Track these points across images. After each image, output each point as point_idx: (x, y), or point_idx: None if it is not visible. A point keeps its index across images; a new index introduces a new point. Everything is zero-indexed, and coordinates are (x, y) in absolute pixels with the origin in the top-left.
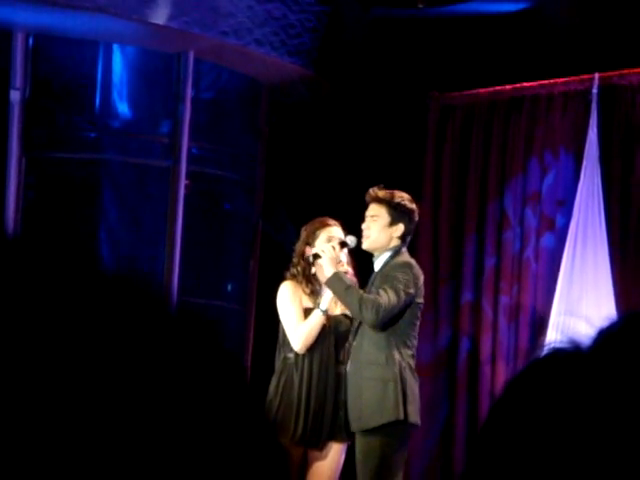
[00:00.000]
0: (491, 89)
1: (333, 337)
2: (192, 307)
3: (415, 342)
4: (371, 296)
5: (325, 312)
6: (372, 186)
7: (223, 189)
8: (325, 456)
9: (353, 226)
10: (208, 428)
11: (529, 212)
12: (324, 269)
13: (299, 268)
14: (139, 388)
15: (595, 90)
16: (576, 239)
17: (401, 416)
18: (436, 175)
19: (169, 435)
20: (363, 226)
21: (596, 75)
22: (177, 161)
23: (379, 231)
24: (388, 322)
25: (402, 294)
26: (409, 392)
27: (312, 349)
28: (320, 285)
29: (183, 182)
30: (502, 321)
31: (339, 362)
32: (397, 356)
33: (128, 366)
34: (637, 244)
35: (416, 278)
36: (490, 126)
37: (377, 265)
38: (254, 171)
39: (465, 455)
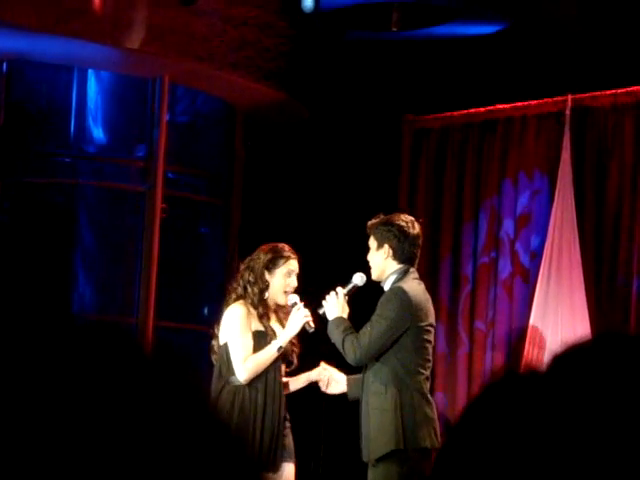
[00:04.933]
0: (465, 112)
1: (281, 365)
2: (168, 348)
3: (428, 364)
4: (351, 336)
5: (280, 349)
6: (347, 208)
7: (199, 213)
8: (281, 476)
9: (330, 248)
10: (184, 470)
11: (504, 234)
12: (327, 313)
13: (255, 289)
14: (115, 436)
15: (568, 112)
16: (551, 260)
17: (400, 445)
18: (411, 198)
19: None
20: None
21: (569, 97)
22: (153, 185)
23: (372, 259)
24: (374, 355)
25: (384, 327)
26: (419, 417)
27: (264, 379)
28: (269, 310)
29: (159, 206)
30: (478, 343)
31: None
32: (398, 384)
33: (103, 414)
34: (610, 264)
35: (407, 303)
36: (464, 148)
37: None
38: (230, 195)
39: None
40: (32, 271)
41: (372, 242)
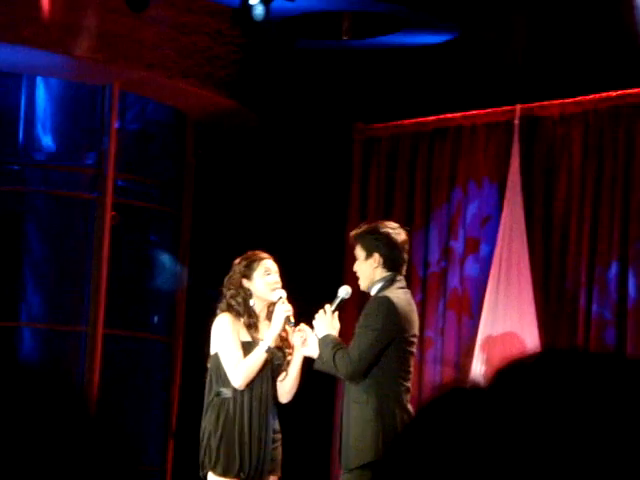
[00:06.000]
0: (415, 120)
1: (270, 371)
2: (111, 409)
3: (409, 375)
4: (341, 351)
5: (269, 349)
6: (298, 217)
7: (149, 221)
8: None
9: (282, 257)
10: None
11: (454, 243)
12: (316, 330)
13: (239, 299)
14: None
15: (517, 121)
16: (500, 268)
17: (379, 456)
18: (362, 206)
19: None
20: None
21: (518, 106)
22: (103, 193)
23: (361, 268)
24: (368, 367)
25: (373, 338)
26: (399, 428)
27: (251, 384)
28: (258, 318)
29: (109, 214)
30: (428, 355)
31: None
32: (380, 394)
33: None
34: (559, 272)
35: (393, 313)
36: (415, 157)
37: None
38: (180, 202)
39: None
40: None
41: (359, 252)
